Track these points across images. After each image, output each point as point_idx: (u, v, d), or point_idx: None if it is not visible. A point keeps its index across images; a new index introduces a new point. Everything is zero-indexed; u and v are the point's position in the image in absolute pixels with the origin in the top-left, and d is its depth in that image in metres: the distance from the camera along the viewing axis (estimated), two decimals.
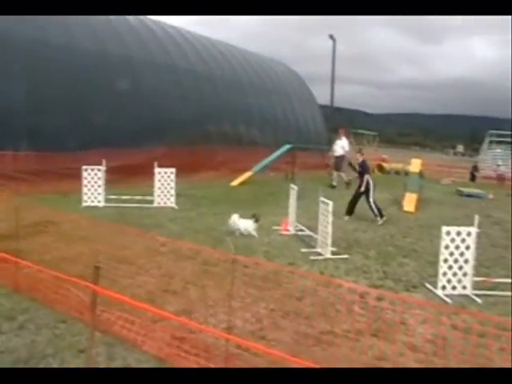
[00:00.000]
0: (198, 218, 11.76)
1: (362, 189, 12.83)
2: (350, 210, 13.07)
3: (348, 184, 20.15)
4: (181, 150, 19.54)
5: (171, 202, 13.39)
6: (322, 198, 9.11)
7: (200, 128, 22.02)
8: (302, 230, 10.53)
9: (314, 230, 9.65)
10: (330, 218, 8.69)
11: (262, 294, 6.17)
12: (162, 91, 20.64)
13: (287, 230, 10.61)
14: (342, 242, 9.80)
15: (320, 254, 8.77)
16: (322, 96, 38.82)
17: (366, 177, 13.04)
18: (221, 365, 4.38)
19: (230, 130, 24.13)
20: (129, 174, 16.32)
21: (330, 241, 8.71)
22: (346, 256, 8.83)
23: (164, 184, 13.48)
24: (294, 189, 10.85)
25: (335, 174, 21.11)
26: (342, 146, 21.42)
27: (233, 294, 5.47)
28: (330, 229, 8.70)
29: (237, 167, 20.81)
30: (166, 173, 13.54)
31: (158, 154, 16.79)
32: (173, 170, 13.56)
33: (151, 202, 13.30)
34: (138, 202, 13.12)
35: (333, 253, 8.78)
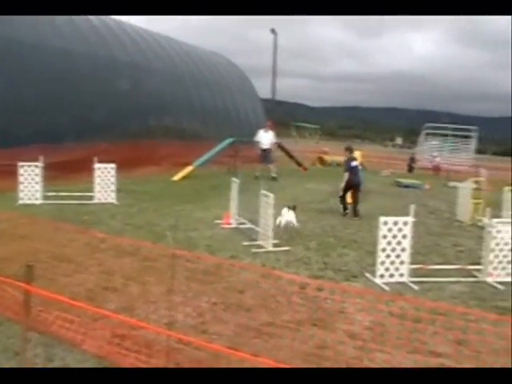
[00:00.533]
0: (138, 213, 11.61)
1: (342, 185, 13.04)
2: (345, 207, 13.17)
3: (274, 179, 20.37)
4: (122, 144, 19.18)
5: (112, 198, 13.16)
6: (263, 191, 9.17)
7: (141, 122, 21.70)
8: (243, 224, 10.58)
9: (256, 222, 9.70)
10: (271, 211, 8.76)
11: (203, 288, 6.17)
12: (101, 84, 20.19)
13: (229, 224, 10.63)
14: (283, 234, 9.90)
15: (262, 247, 8.84)
16: (263, 89, 39.01)
17: (345, 174, 13.13)
18: (162, 361, 4.35)
19: (172, 124, 23.88)
20: (68, 170, 15.91)
21: (271, 233, 8.79)
22: (287, 248, 8.93)
23: (104, 180, 13.23)
24: (235, 182, 10.87)
25: (272, 166, 21.26)
26: (270, 138, 21.60)
27: (174, 289, 5.45)
28: (271, 221, 8.77)
29: (178, 161, 20.64)
30: (106, 168, 13.29)
31: (98, 149, 16.41)
32: (113, 165, 13.32)
33: (91, 198, 13.03)
34: (78, 198, 12.83)
35: (274, 245, 8.86)
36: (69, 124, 17.77)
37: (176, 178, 18.74)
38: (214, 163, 21.68)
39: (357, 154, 19.72)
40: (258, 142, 21.48)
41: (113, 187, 13.23)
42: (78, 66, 19.36)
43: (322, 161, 33.65)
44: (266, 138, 21.55)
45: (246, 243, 9.12)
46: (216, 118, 27.82)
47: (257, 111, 33.92)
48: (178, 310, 5.53)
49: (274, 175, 20.79)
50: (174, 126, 23.97)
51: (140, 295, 6.06)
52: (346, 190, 13.14)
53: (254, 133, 22.33)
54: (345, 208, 13.10)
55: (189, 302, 5.89)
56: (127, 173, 17.20)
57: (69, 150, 16.73)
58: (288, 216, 10.18)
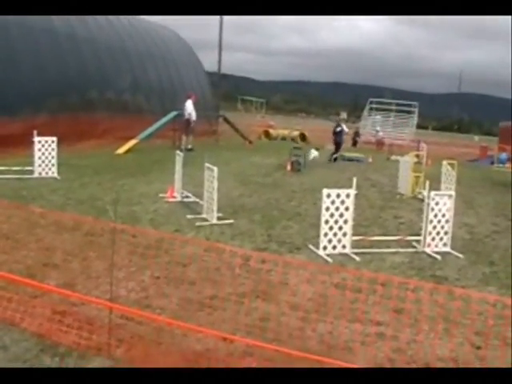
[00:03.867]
0: (80, 188, 11.32)
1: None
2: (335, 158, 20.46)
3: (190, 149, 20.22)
4: (62, 118, 18.60)
5: (53, 173, 12.77)
6: (208, 164, 9.10)
7: (82, 95, 20.98)
8: (188, 197, 10.50)
9: (201, 196, 9.65)
10: (215, 184, 8.71)
11: (147, 262, 6.11)
12: (39, 56, 19.40)
13: (173, 197, 10.52)
14: (227, 207, 9.89)
15: (206, 220, 8.81)
16: (209, 63, 38.50)
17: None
18: (104, 337, 4.29)
19: (115, 97, 23.24)
20: (5, 145, 15.30)
21: (215, 207, 8.76)
22: (231, 221, 8.93)
23: (45, 154, 12.78)
24: (179, 155, 10.74)
25: (190, 137, 21.21)
26: (192, 109, 21.45)
27: (117, 264, 5.37)
28: (215, 195, 8.73)
29: (122, 135, 20.20)
30: (46, 142, 12.85)
31: (37, 122, 15.85)
32: (54, 138, 12.88)
33: (31, 172, 12.59)
34: (16, 173, 12.35)
35: (219, 218, 8.84)
36: (2, 98, 17.00)
37: (119, 151, 18.37)
38: (158, 137, 21.35)
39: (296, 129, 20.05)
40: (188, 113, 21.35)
41: (54, 161, 12.83)
42: (12, 38, 18.50)
43: (267, 135, 33.73)
44: (191, 109, 21.44)
45: (190, 217, 9.06)
46: (161, 92, 27.30)
47: (203, 85, 33.48)
48: (120, 285, 5.46)
49: (190, 147, 20.69)
50: (117, 100, 23.37)
51: (82, 271, 5.94)
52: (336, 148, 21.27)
53: (198, 106, 22.06)
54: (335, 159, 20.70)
55: (132, 277, 5.83)
56: (69, 147, 16.71)
57: (3, 124, 16.06)
58: (315, 153, 18.10)
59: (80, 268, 6.03)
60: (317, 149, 22.43)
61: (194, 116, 21.46)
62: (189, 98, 21.79)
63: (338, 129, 21.67)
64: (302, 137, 32.52)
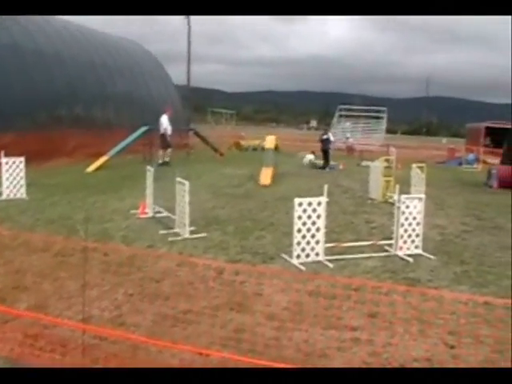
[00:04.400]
0: (50, 207, 11.17)
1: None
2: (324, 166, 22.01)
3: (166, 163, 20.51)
4: (31, 136, 18.37)
5: (21, 194, 12.57)
6: (179, 179, 9.08)
7: (51, 112, 20.77)
8: (160, 212, 10.44)
9: (172, 210, 9.60)
10: (187, 198, 8.69)
11: (120, 279, 6.06)
12: (3, 73, 19.16)
13: (145, 213, 10.45)
14: (200, 220, 9.85)
15: (178, 235, 8.76)
16: (178, 76, 38.45)
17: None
18: (78, 358, 4.24)
19: (83, 113, 23.09)
20: None
21: (187, 220, 8.72)
22: (204, 234, 8.90)
23: (13, 174, 12.57)
24: (150, 171, 10.69)
25: (168, 151, 21.31)
26: (167, 124, 21.59)
27: (89, 283, 5.31)
28: (187, 208, 8.71)
29: (92, 152, 20.03)
30: (14, 162, 12.64)
31: (5, 142, 15.63)
32: (21, 159, 12.66)
33: None
34: None
35: (191, 232, 8.80)
36: None
37: (90, 169, 18.18)
38: (129, 152, 21.22)
39: (271, 137, 20.26)
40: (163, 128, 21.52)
41: (22, 182, 12.62)
42: None
43: (238, 146, 33.82)
44: (167, 124, 21.58)
45: (162, 232, 9.01)
46: (130, 106, 27.18)
47: (172, 98, 33.42)
48: (93, 305, 5.39)
49: (166, 160, 20.90)
50: (86, 116, 23.21)
51: (53, 292, 5.86)
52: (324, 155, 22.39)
53: (168, 120, 22.04)
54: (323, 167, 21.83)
55: (105, 296, 5.76)
56: (38, 166, 16.51)
57: None
58: (310, 157, 22.39)
59: (51, 289, 5.94)
60: (312, 152, 24.15)
61: (169, 130, 21.58)
62: (165, 112, 21.91)
63: (324, 137, 22.76)
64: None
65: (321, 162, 23.02)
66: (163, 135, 21.39)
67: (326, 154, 22.65)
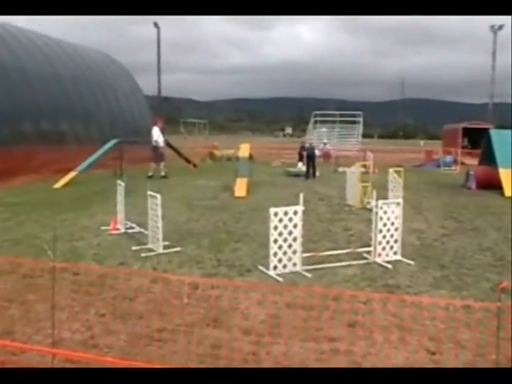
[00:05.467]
0: (17, 227, 11.00)
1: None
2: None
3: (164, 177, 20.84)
4: None
5: None
6: (150, 192, 9.04)
7: (15, 127, 20.53)
8: (132, 228, 10.38)
9: (145, 225, 9.56)
10: (160, 212, 8.65)
11: (91, 299, 5.98)
12: None
13: (117, 229, 10.37)
14: (174, 234, 9.81)
15: (152, 250, 8.71)
16: (149, 86, 38.42)
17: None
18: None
19: (50, 128, 22.87)
20: None
21: (161, 235, 8.69)
22: (178, 248, 8.85)
23: None
24: (121, 185, 10.62)
25: (161, 164, 21.34)
26: (158, 135, 21.73)
27: (59, 305, 5.25)
28: (160, 223, 8.67)
29: (60, 167, 19.82)
30: None
31: None
32: None
33: None
34: None
35: (165, 247, 8.75)
36: None
37: (58, 185, 18.00)
38: (98, 166, 21.06)
39: (245, 146, 20.34)
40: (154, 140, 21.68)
41: None
42: None
43: (212, 156, 33.87)
44: (158, 135, 21.71)
45: (135, 248, 8.94)
46: (99, 119, 27.02)
47: (142, 109, 33.33)
48: (64, 327, 5.32)
49: (150, 174, 20.92)
50: (53, 130, 22.99)
51: (21, 316, 5.75)
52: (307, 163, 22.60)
53: (139, 132, 22.04)
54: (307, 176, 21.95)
55: (76, 317, 5.69)
56: (3, 183, 16.30)
57: None
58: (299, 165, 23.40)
59: (19, 313, 5.84)
60: (300, 159, 24.88)
61: (161, 142, 21.71)
62: (155, 124, 22.06)
63: (307, 145, 25.27)
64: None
65: (301, 170, 23.15)
66: (155, 148, 21.51)
67: (312, 162, 22.74)
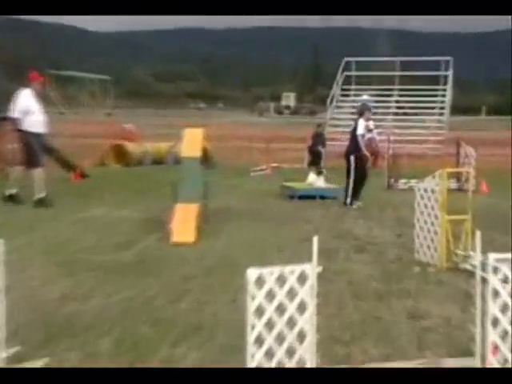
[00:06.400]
0: None
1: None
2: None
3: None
4: None
5: None
6: None
7: None
8: None
9: None
10: (1, 282, 8.50)
11: None
12: None
13: None
14: (33, 331, 9.72)
15: None
16: None
17: None
18: None
19: None
20: None
21: (2, 334, 8.49)
22: (41, 362, 8.64)
23: None
24: None
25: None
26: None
27: None
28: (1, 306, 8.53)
29: None
30: None
31: None
32: None
33: None
34: None
35: (10, 359, 8.53)
36: None
37: None
38: None
39: (194, 134, 20.36)
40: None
41: None
42: None
43: (120, 154, 33.90)
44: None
45: None
46: None
47: None
48: None
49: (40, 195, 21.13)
50: None
51: None
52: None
53: None
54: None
55: None
56: None
57: None
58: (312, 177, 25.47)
59: None
60: (319, 172, 25.49)
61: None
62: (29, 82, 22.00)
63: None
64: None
65: (316, 185, 23.30)
66: (26, 134, 21.53)
67: (354, 169, 22.60)
